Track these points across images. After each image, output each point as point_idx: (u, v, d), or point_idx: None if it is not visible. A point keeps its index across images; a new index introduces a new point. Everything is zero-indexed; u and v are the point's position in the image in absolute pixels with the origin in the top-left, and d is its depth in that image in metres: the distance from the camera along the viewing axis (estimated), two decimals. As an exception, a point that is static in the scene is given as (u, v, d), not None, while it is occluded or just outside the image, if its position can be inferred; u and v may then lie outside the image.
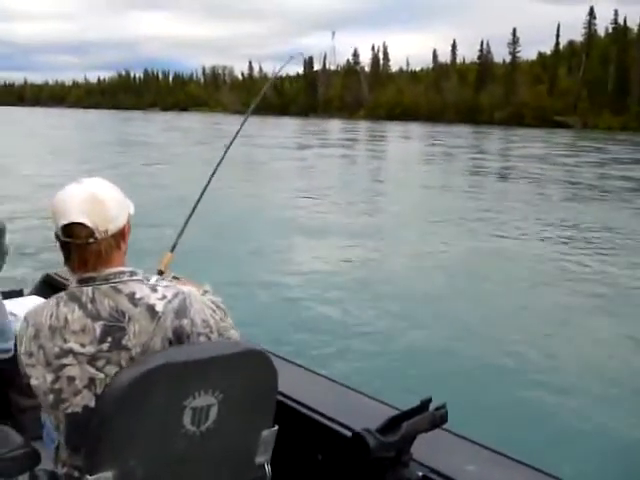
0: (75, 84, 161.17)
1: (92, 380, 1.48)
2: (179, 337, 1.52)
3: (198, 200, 2.26)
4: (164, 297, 1.53)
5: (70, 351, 1.49)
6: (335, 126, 59.70)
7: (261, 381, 1.56)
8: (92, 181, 1.55)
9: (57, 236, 1.52)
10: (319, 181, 17.27)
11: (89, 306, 1.50)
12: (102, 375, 1.48)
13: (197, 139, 34.41)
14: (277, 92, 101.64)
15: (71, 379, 1.48)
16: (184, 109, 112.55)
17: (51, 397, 1.49)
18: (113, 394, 1.41)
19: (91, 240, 1.50)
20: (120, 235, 1.55)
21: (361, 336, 5.49)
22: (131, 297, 1.51)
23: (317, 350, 5.04)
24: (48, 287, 3.36)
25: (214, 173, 2.34)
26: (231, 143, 2.40)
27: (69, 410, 1.49)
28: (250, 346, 1.56)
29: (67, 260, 1.53)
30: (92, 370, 1.48)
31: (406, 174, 20.37)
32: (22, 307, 2.01)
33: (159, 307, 1.51)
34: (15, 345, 1.68)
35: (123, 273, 1.54)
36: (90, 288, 1.52)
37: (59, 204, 1.50)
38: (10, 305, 2.57)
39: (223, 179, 2.51)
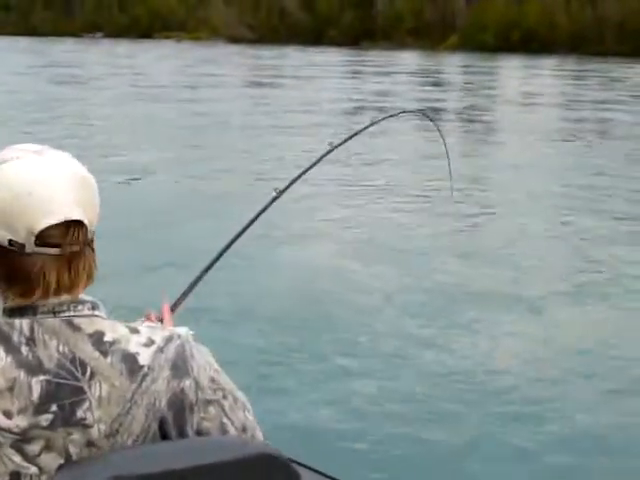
0: None
1: (16, 476, 1.54)
2: (179, 410, 1.60)
3: (218, 256, 2.91)
4: (152, 342, 1.62)
5: None
6: (410, 65, 59.97)
7: None
8: (62, 155, 1.64)
9: (7, 244, 1.57)
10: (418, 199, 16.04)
11: (24, 350, 1.57)
12: (34, 469, 1.54)
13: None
14: (305, 5, 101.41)
15: None
16: (146, 35, 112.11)
17: None
18: None
19: (86, 246, 1.63)
20: (93, 241, 1.67)
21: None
22: (97, 339, 1.58)
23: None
24: None
25: (259, 214, 3.15)
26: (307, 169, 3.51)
27: None
28: (264, 449, 1.68)
29: (9, 280, 1.59)
30: (18, 459, 1.54)
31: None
32: None
33: (144, 358, 1.60)
34: None
35: (83, 303, 1.63)
36: (27, 321, 1.58)
37: (29, 190, 1.54)
38: None
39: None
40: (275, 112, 27.46)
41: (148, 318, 2.17)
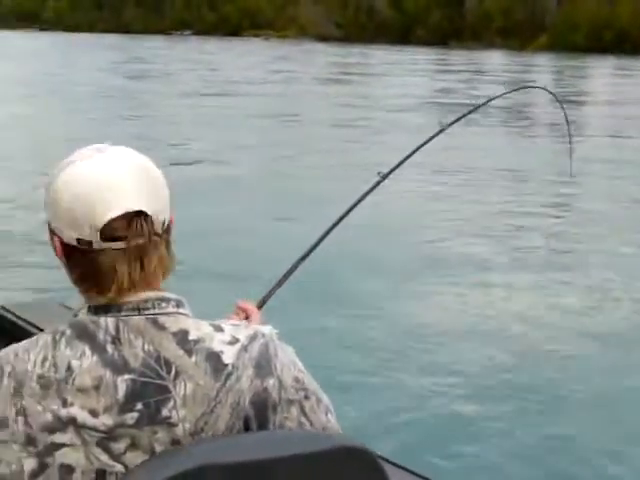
0: None
1: (102, 474, 1.56)
2: (261, 408, 1.60)
3: (318, 241, 2.79)
4: (236, 340, 1.63)
5: (71, 421, 1.56)
6: (497, 64, 59.83)
7: None
8: (124, 149, 1.66)
9: (77, 244, 1.60)
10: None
11: (109, 349, 1.58)
12: (120, 467, 1.56)
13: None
14: (393, 4, 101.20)
15: (67, 470, 1.56)
16: (234, 33, 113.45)
17: None
18: None
19: (155, 238, 1.61)
20: (168, 233, 1.66)
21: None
22: (182, 338, 1.60)
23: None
24: None
25: (350, 210, 3.00)
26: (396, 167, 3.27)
27: None
28: (350, 442, 1.66)
29: (97, 279, 1.60)
30: (104, 457, 1.56)
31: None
32: None
33: (228, 356, 1.61)
34: None
35: (167, 300, 1.64)
36: (112, 320, 1.60)
37: (92, 186, 1.57)
38: None
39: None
40: (358, 108, 27.84)
41: (236, 315, 2.22)
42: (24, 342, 1.68)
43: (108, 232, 1.59)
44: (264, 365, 1.63)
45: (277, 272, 2.71)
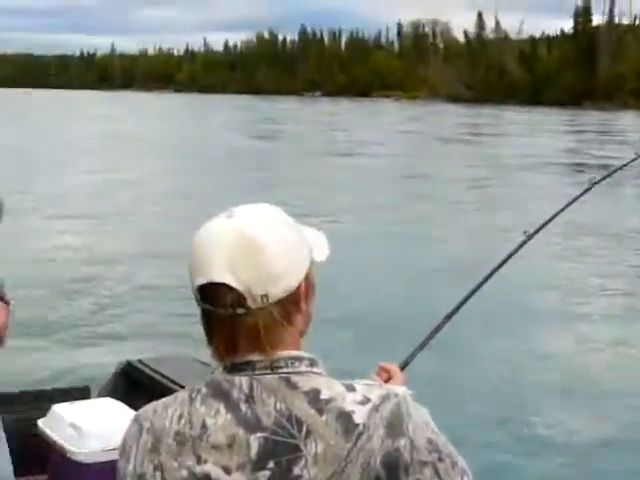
0: (188, 53, 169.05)
1: None
2: (392, 469, 1.59)
3: (464, 300, 2.75)
4: (367, 400, 1.61)
5: (206, 478, 1.60)
6: (629, 125, 59.14)
7: None
8: (249, 214, 1.66)
9: (196, 300, 1.66)
10: None
11: (243, 407, 1.61)
12: None
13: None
14: (524, 65, 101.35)
15: None
16: (364, 94, 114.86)
17: None
18: None
19: (240, 311, 1.60)
20: (291, 302, 1.64)
21: None
22: (313, 397, 1.60)
23: None
24: (128, 384, 3.88)
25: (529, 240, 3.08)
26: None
27: None
28: None
29: (209, 338, 1.66)
30: None
31: None
32: (89, 415, 2.84)
33: (360, 416, 1.59)
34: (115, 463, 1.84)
35: (300, 359, 1.65)
36: (246, 379, 1.62)
37: (195, 251, 1.65)
38: (70, 412, 3.38)
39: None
40: (488, 168, 27.96)
41: (378, 375, 2.22)
42: (163, 399, 1.72)
43: (203, 296, 1.63)
44: (396, 425, 1.62)
45: (420, 332, 2.67)
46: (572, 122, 59.91)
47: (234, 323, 1.62)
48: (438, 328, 2.65)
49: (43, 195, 19.66)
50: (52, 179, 22.78)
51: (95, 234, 15.52)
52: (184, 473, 1.62)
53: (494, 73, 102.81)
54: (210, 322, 1.65)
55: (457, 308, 2.73)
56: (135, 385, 3.89)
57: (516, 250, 3.04)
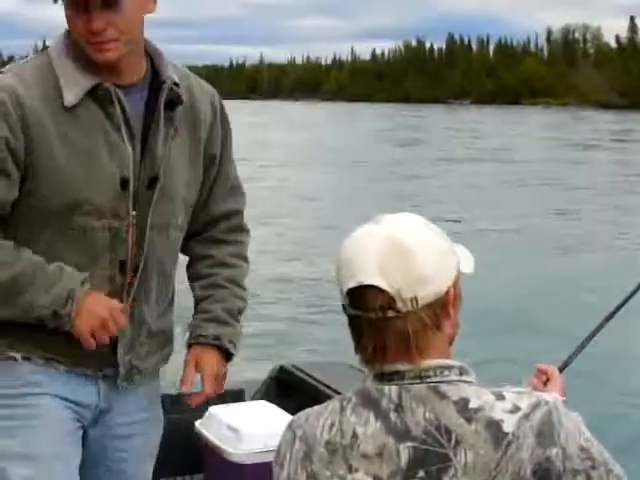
0: (336, 62, 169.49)
1: None
2: (543, 479, 1.57)
3: (625, 300, 2.59)
4: (517, 409, 1.61)
5: None
6: None
7: None
8: (397, 220, 1.70)
9: (343, 307, 1.69)
10: None
11: (392, 416, 1.63)
12: None
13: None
14: None
15: None
16: (513, 102, 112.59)
17: None
18: None
19: (390, 313, 1.62)
20: (440, 306, 1.66)
21: None
22: (462, 406, 1.60)
23: None
24: (284, 387, 3.96)
25: None
26: None
27: None
28: None
29: (357, 344, 1.68)
30: None
31: None
32: (245, 417, 2.93)
33: (509, 425, 1.59)
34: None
35: (450, 368, 1.65)
36: (395, 388, 1.65)
37: (344, 256, 1.68)
38: (226, 413, 3.48)
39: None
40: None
41: (536, 378, 2.20)
42: (316, 407, 1.75)
43: (352, 300, 1.66)
44: (546, 434, 1.61)
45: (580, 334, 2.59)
46: None
47: (383, 327, 1.64)
48: (597, 329, 2.57)
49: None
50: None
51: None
52: None
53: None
54: (359, 327, 1.67)
55: (617, 309, 2.62)
56: (289, 389, 3.93)
57: None
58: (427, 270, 1.63)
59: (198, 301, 2.51)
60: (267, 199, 20.15)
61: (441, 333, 1.66)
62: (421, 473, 1.58)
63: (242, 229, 2.59)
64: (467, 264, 1.75)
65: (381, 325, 1.63)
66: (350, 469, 1.63)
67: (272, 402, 3.77)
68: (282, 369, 4.02)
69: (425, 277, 1.63)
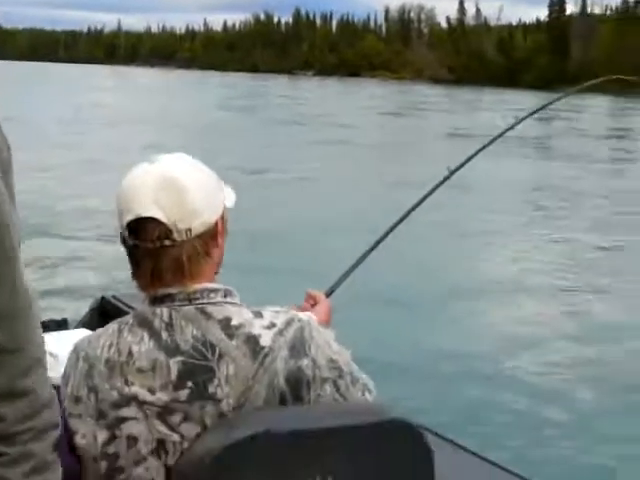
0: (189, 32, 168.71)
1: (162, 443, 1.71)
2: (295, 386, 1.72)
3: (385, 235, 2.79)
4: (272, 325, 1.74)
5: (133, 398, 1.71)
6: (594, 107, 56.12)
7: (407, 469, 1.73)
8: (170, 159, 1.79)
9: (123, 239, 1.76)
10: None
11: (164, 335, 1.72)
12: (176, 437, 1.70)
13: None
14: (502, 50, 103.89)
15: (132, 440, 1.71)
16: (353, 74, 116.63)
17: (103, 465, 1.74)
18: (191, 468, 1.63)
19: (167, 242, 1.71)
20: (210, 236, 1.77)
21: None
22: (225, 324, 1.72)
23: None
24: (103, 316, 3.66)
25: (427, 197, 2.97)
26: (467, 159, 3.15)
27: None
28: (394, 416, 1.71)
29: (135, 272, 1.77)
30: (163, 428, 1.70)
31: None
32: (67, 344, 2.19)
33: (265, 339, 1.71)
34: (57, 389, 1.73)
35: (215, 291, 1.77)
36: (166, 309, 1.74)
37: (123, 192, 1.74)
38: (49, 341, 2.58)
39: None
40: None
41: (306, 302, 2.35)
42: (98, 330, 1.84)
43: (132, 232, 1.73)
44: (298, 347, 1.72)
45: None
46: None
47: (160, 255, 1.72)
48: (360, 260, 2.70)
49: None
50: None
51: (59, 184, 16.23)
52: (115, 394, 1.72)
53: (474, 57, 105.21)
54: (137, 256, 1.75)
55: (377, 243, 2.75)
56: (108, 318, 3.08)
57: (436, 187, 3.01)
58: (198, 204, 1.72)
59: None
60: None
61: (211, 260, 1.77)
62: (189, 384, 1.68)
63: None
64: (231, 199, 1.85)
65: (158, 253, 1.72)
66: (127, 382, 1.71)
67: (92, 330, 2.96)
68: (103, 299, 3.93)
69: (196, 210, 1.72)
